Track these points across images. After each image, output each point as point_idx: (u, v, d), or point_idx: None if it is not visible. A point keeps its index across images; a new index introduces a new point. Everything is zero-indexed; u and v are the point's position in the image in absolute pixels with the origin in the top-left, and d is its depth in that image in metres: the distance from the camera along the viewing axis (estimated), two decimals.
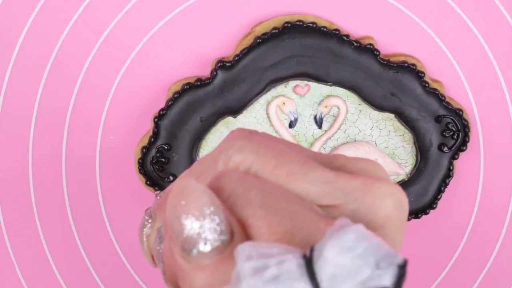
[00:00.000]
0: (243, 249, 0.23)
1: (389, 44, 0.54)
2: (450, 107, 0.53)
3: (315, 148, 0.53)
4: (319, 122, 0.54)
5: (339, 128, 0.54)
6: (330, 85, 0.53)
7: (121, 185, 0.55)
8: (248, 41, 0.53)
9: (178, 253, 0.25)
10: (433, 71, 0.54)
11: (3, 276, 0.55)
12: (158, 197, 0.30)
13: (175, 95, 0.52)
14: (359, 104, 0.53)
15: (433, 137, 0.53)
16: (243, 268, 0.23)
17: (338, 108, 0.53)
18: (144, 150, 0.53)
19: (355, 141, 0.54)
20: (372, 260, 0.23)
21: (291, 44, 0.52)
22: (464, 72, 0.54)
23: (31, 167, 0.55)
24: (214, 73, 0.52)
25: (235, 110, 0.53)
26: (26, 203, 0.55)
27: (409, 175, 0.54)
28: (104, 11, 0.53)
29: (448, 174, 0.54)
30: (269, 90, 0.53)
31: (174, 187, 0.25)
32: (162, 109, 0.52)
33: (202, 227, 0.24)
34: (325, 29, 0.52)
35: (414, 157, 0.54)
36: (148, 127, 0.54)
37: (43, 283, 0.55)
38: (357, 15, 0.54)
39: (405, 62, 0.53)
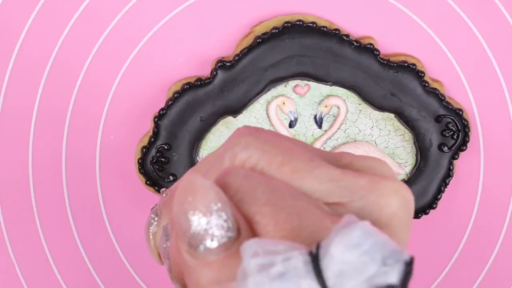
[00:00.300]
0: (249, 246, 0.23)
1: (389, 44, 0.54)
2: (450, 107, 0.53)
3: None
4: (319, 122, 0.54)
5: (339, 128, 0.54)
6: (330, 85, 0.53)
7: (121, 185, 0.55)
8: (248, 41, 0.53)
9: (184, 250, 0.25)
10: (433, 71, 0.54)
11: (3, 276, 0.55)
12: (164, 195, 0.30)
13: (175, 95, 0.52)
14: (359, 104, 0.53)
15: (433, 137, 0.53)
16: (249, 264, 0.23)
17: (338, 108, 0.53)
18: (144, 150, 0.53)
19: (355, 141, 0.54)
20: (378, 257, 0.23)
21: (291, 44, 0.52)
22: (464, 72, 0.54)
23: (31, 167, 0.54)
24: (214, 73, 0.52)
25: (235, 110, 0.53)
26: (26, 203, 0.55)
27: (409, 175, 0.54)
28: (104, 11, 0.53)
29: (448, 174, 0.54)
30: (269, 90, 0.53)
31: (180, 184, 0.25)
32: (162, 109, 0.52)
33: (209, 223, 0.24)
34: (325, 29, 0.52)
35: (414, 157, 0.54)
36: (148, 127, 0.54)
37: (43, 283, 0.55)
38: (357, 15, 0.54)
39: (405, 62, 0.53)
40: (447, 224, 0.56)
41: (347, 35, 0.52)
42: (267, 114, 0.53)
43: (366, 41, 0.53)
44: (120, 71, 0.54)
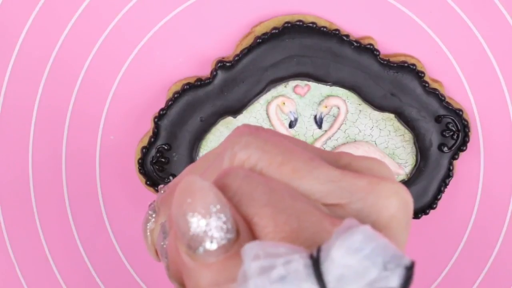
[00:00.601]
0: (250, 248, 0.23)
1: (389, 44, 0.54)
2: (450, 107, 0.53)
3: None
4: (319, 122, 0.54)
5: (339, 128, 0.54)
6: (330, 85, 0.53)
7: (121, 185, 0.55)
8: (248, 41, 0.53)
9: (183, 251, 0.25)
10: (433, 71, 0.54)
11: (3, 276, 0.55)
12: (162, 192, 0.30)
13: (175, 95, 0.52)
14: (359, 104, 0.53)
15: (433, 137, 0.53)
16: (250, 267, 0.23)
17: (338, 108, 0.53)
18: (144, 150, 0.53)
19: (355, 141, 0.54)
20: (379, 261, 0.22)
21: (291, 44, 0.52)
22: (464, 72, 0.54)
23: (31, 167, 0.54)
24: (214, 73, 0.52)
25: (235, 110, 0.53)
26: (26, 203, 0.55)
27: (409, 175, 0.54)
28: (104, 11, 0.53)
29: (448, 174, 0.54)
30: (269, 90, 0.53)
31: (179, 185, 0.25)
32: (162, 109, 0.52)
33: (209, 225, 0.24)
34: (325, 29, 0.52)
35: (414, 157, 0.54)
36: (148, 127, 0.54)
37: (43, 283, 0.55)
38: (357, 15, 0.54)
39: (405, 62, 0.53)
40: (447, 224, 0.56)
41: (347, 35, 0.52)
42: (267, 114, 0.53)
43: (366, 41, 0.53)
44: (120, 71, 0.54)
